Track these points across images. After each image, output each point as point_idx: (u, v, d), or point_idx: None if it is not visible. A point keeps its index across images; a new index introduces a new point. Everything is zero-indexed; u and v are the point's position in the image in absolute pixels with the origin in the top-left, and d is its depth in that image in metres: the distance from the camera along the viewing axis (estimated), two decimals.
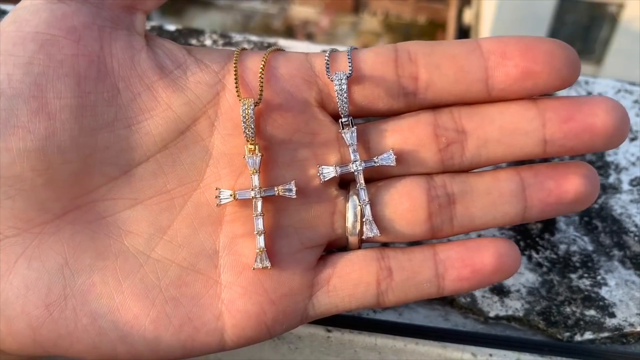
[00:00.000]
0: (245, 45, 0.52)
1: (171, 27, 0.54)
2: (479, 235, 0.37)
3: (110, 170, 0.27)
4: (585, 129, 0.27)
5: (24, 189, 0.25)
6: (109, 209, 0.28)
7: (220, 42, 0.53)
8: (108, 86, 0.27)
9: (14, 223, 0.26)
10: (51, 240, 0.26)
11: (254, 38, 0.53)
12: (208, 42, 0.52)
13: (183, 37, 0.53)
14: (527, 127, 0.28)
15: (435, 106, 0.30)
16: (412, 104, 0.30)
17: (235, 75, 0.29)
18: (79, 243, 0.27)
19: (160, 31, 0.53)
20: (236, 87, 0.28)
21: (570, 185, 0.29)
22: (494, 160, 0.29)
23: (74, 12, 0.27)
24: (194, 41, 0.52)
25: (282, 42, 0.52)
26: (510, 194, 0.29)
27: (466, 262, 0.29)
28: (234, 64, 0.29)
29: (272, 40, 0.53)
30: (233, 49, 0.30)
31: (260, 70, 0.29)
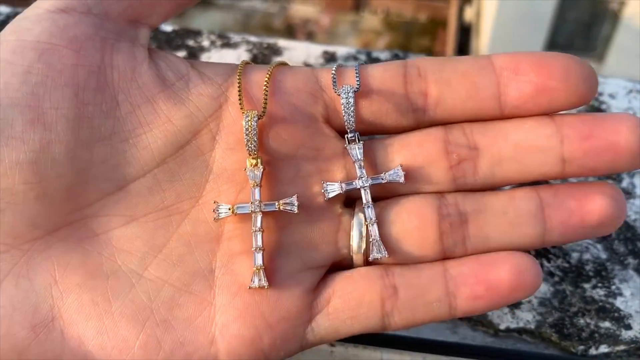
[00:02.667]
0: (244, 47, 0.50)
1: (167, 28, 0.52)
2: None
3: (105, 185, 0.26)
4: (607, 147, 0.26)
5: (14, 202, 0.24)
6: (103, 226, 0.27)
7: (218, 42, 0.51)
8: (107, 98, 0.26)
9: (3, 239, 0.25)
10: (41, 257, 0.25)
11: (252, 39, 0.51)
12: (206, 42, 0.51)
13: (180, 37, 0.51)
14: (544, 145, 0.27)
15: (445, 123, 0.29)
16: (421, 121, 0.29)
17: (239, 87, 0.28)
18: (69, 261, 0.26)
19: (156, 32, 0.51)
20: (239, 99, 0.28)
21: (594, 205, 0.27)
22: (509, 180, 0.28)
23: (77, 23, 0.26)
24: (191, 42, 0.51)
25: (282, 42, 0.51)
26: (528, 214, 0.28)
27: (480, 278, 0.27)
28: (238, 76, 0.28)
29: (271, 40, 0.51)
30: (237, 63, 0.29)
31: (265, 82, 0.28)
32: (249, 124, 0.27)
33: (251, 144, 0.27)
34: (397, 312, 0.28)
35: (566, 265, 0.37)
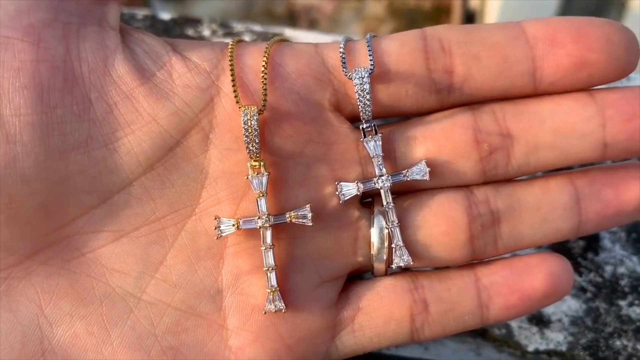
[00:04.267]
0: (247, 37, 0.47)
1: (165, 16, 0.49)
2: None
3: (87, 198, 0.23)
4: None
5: None
6: (89, 244, 0.24)
7: (220, 32, 0.48)
8: (78, 97, 0.23)
9: None
10: (22, 285, 0.23)
11: (257, 28, 0.48)
12: (206, 32, 0.48)
13: (179, 26, 0.48)
14: (585, 129, 0.25)
15: (472, 103, 0.26)
16: (445, 101, 0.26)
17: (232, 76, 0.24)
18: (55, 287, 0.24)
19: (153, 21, 0.48)
20: (234, 92, 0.24)
21: (631, 193, 0.25)
22: (544, 167, 0.26)
23: (31, 7, 0.22)
24: (190, 31, 0.48)
25: (288, 33, 0.47)
26: (563, 207, 0.26)
27: (514, 288, 0.26)
28: (230, 61, 0.25)
29: (276, 30, 0.48)
30: (227, 41, 0.26)
31: (263, 68, 0.25)
32: (249, 124, 0.24)
33: (252, 145, 0.24)
34: (427, 327, 0.26)
35: (599, 279, 0.34)
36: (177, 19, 0.48)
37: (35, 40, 0.22)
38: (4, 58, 0.21)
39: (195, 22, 0.48)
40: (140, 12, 0.48)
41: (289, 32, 0.47)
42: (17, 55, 0.21)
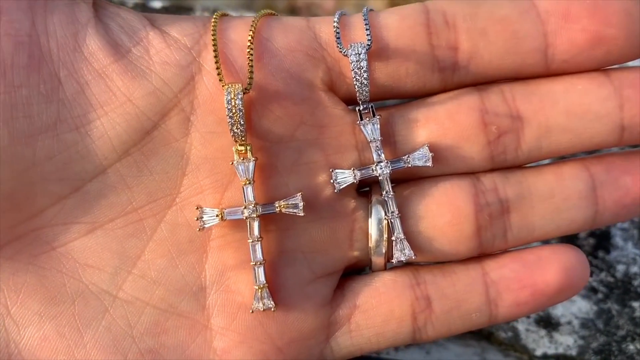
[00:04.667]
0: None
1: (157, 4, 0.47)
2: None
3: (56, 187, 0.22)
4: None
5: None
6: (60, 237, 0.23)
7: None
8: (45, 76, 0.21)
9: None
10: None
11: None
12: None
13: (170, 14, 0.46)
14: (601, 110, 0.24)
15: (479, 83, 0.25)
16: (449, 81, 0.24)
17: (214, 51, 0.23)
18: (23, 284, 0.22)
19: (144, 9, 0.46)
20: (217, 69, 0.23)
21: None
22: (556, 153, 0.25)
23: None
24: None
25: None
26: (578, 196, 0.25)
27: (525, 283, 0.25)
28: (212, 35, 0.23)
29: None
30: (210, 15, 0.24)
31: (249, 43, 0.23)
32: (233, 103, 0.22)
33: (237, 127, 0.22)
34: (430, 326, 0.25)
35: (611, 279, 0.33)
36: (168, 7, 0.47)
37: None
38: None
39: (187, 10, 0.47)
40: (131, 0, 0.47)
41: None
42: None
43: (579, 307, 0.32)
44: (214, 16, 0.23)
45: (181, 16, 0.24)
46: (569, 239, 0.34)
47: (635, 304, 0.32)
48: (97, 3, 0.23)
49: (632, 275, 0.33)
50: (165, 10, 0.46)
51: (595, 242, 0.34)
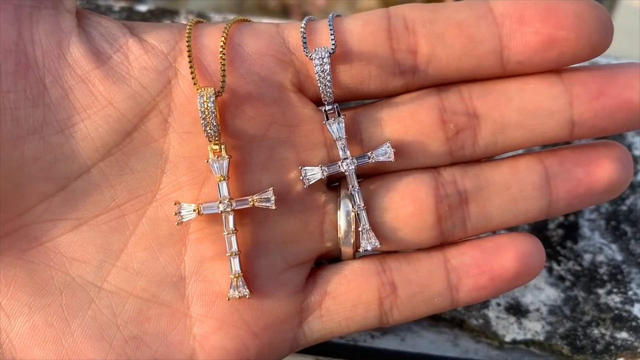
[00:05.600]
0: None
1: (142, 8, 0.48)
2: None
3: (43, 186, 0.23)
4: (620, 106, 0.24)
5: None
6: (48, 233, 0.23)
7: None
8: (31, 82, 0.22)
9: None
10: None
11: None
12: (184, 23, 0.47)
13: (155, 18, 0.47)
14: (552, 107, 0.24)
15: (438, 84, 0.26)
16: (410, 83, 0.25)
17: (189, 57, 0.24)
18: (12, 277, 0.23)
19: (130, 12, 0.47)
20: (192, 73, 0.24)
21: (602, 172, 0.25)
22: (511, 147, 0.26)
23: None
24: (167, 23, 0.47)
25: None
26: (532, 187, 0.25)
27: (483, 269, 0.26)
28: (187, 42, 0.24)
29: (255, 21, 0.47)
30: (185, 22, 0.25)
31: (221, 48, 0.24)
32: (205, 105, 0.23)
33: (210, 128, 0.23)
34: (396, 310, 0.26)
35: (578, 268, 0.34)
36: (153, 10, 0.48)
37: None
38: None
39: (173, 13, 0.47)
40: (117, 4, 0.48)
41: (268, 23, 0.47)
42: None
43: (547, 294, 0.33)
44: (189, 23, 0.24)
45: (159, 24, 0.25)
46: (539, 230, 0.35)
47: (600, 291, 0.33)
48: (80, 12, 0.24)
49: (597, 264, 0.34)
50: (150, 13, 0.47)
51: (563, 232, 0.35)
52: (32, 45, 0.22)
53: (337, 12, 0.25)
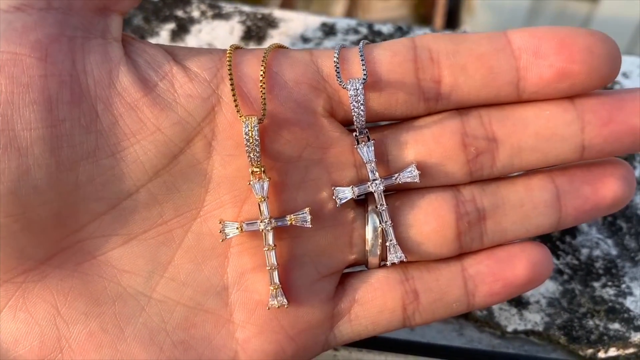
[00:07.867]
0: (237, 17, 0.47)
1: None
2: None
3: (96, 205, 0.24)
4: (627, 132, 0.26)
5: None
6: (100, 248, 0.25)
7: (209, 13, 0.48)
8: (85, 110, 0.23)
9: None
10: (38, 288, 0.24)
11: (246, 9, 0.48)
12: (195, 13, 0.48)
13: (168, 7, 0.48)
14: (565, 133, 0.26)
15: (459, 108, 0.27)
16: (433, 108, 0.27)
17: (231, 85, 0.25)
18: (70, 289, 0.25)
19: (143, 2, 0.48)
20: (235, 103, 0.25)
21: (608, 190, 0.27)
22: (525, 168, 0.28)
23: (37, 23, 0.22)
24: (179, 12, 0.48)
25: (277, 13, 0.47)
26: (544, 204, 0.27)
27: (497, 277, 0.28)
28: (228, 70, 0.25)
29: (266, 11, 0.48)
30: (224, 49, 0.26)
31: (261, 77, 0.25)
32: (250, 134, 0.25)
33: (253, 154, 0.25)
34: (418, 315, 0.28)
35: (576, 262, 0.36)
36: (166, 0, 0.48)
37: (42, 56, 0.22)
38: (13, 74, 0.22)
39: (185, 3, 0.48)
40: None
41: (279, 13, 0.48)
42: (25, 70, 0.22)
43: (547, 287, 0.35)
44: (229, 51, 0.25)
45: (199, 49, 0.26)
46: None
47: (595, 284, 0.35)
48: (125, 40, 0.25)
49: (594, 258, 0.36)
50: (163, 2, 0.48)
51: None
52: (84, 75, 0.23)
53: (366, 41, 0.27)
